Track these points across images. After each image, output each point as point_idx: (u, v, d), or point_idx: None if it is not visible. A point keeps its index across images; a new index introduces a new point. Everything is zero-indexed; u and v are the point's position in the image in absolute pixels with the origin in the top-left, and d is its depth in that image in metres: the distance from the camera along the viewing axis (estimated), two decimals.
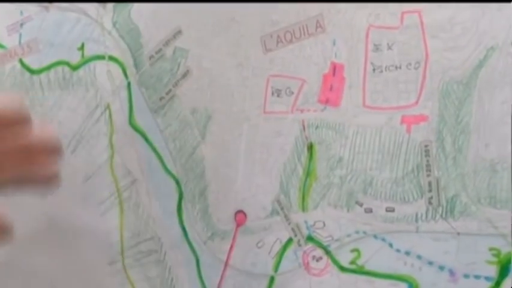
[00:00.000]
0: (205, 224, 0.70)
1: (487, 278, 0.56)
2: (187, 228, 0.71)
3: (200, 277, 0.72)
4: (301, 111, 0.63)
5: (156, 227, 0.74)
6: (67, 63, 0.76)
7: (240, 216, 0.68)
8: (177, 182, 0.71)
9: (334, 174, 0.62)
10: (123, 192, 0.74)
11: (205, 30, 0.68)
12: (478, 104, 0.56)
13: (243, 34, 0.66)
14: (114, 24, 0.73)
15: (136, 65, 0.72)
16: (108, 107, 0.74)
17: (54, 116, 0.77)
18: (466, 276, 0.57)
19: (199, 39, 0.68)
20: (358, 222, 0.62)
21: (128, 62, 0.73)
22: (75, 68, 0.76)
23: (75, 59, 0.76)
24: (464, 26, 0.56)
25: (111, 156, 0.75)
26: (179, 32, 0.69)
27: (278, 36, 0.64)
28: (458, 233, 0.57)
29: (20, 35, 0.80)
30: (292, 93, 0.63)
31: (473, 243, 0.57)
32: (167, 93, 0.70)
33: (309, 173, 0.63)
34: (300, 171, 0.64)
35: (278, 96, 0.64)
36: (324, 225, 0.63)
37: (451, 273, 0.58)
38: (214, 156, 0.69)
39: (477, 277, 0.57)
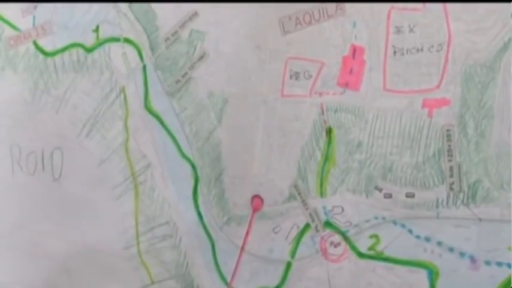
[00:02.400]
0: (221, 209, 0.69)
1: (509, 265, 0.56)
2: (203, 213, 0.71)
3: (216, 262, 0.71)
4: (320, 94, 0.62)
5: (171, 211, 0.73)
6: (82, 46, 0.76)
7: (256, 201, 0.67)
8: (193, 166, 0.71)
9: (353, 159, 0.61)
10: (138, 176, 0.73)
11: (222, 12, 0.67)
12: (501, 88, 0.55)
13: (261, 16, 0.65)
14: (129, 6, 0.73)
15: (152, 48, 0.71)
16: (123, 90, 0.73)
17: (68, 99, 0.76)
18: (488, 263, 0.56)
19: (216, 21, 0.67)
20: (377, 207, 0.61)
21: (144, 44, 0.72)
22: (89, 50, 0.75)
23: (90, 41, 0.75)
24: (488, 7, 0.55)
25: (126, 140, 0.74)
26: (195, 14, 0.68)
27: (297, 18, 0.63)
28: (480, 219, 0.56)
29: (34, 17, 0.80)
30: (311, 76, 0.62)
31: (495, 229, 0.56)
32: (183, 76, 0.69)
33: (327, 157, 0.62)
34: (318, 155, 0.63)
35: (296, 79, 0.63)
36: (343, 210, 0.63)
37: (472, 260, 0.57)
38: (230, 140, 0.68)
39: (499, 264, 0.56)
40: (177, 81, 0.70)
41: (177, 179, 0.72)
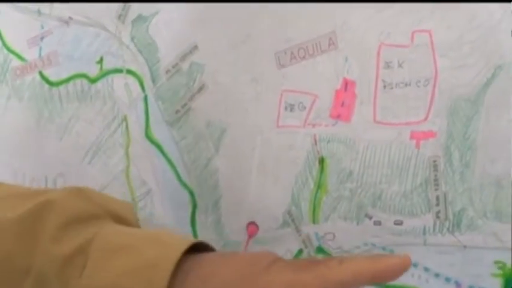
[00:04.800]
0: (218, 235, 0.72)
1: None
2: (200, 239, 0.73)
3: None
4: (313, 125, 0.65)
5: None
6: (86, 76, 0.78)
7: (252, 228, 0.70)
8: (191, 193, 0.73)
9: (344, 188, 0.64)
10: (138, 202, 0.76)
11: (221, 45, 0.69)
12: (485, 121, 0.58)
13: (258, 50, 0.68)
14: (132, 39, 0.76)
15: (153, 79, 0.74)
16: (125, 119, 0.76)
17: (72, 127, 0.79)
18: None
19: (215, 54, 0.70)
20: (367, 234, 0.63)
21: (145, 75, 0.75)
22: (93, 80, 0.78)
23: (94, 72, 0.78)
24: (472, 45, 0.58)
25: (127, 167, 0.77)
26: (195, 47, 0.71)
27: (292, 53, 0.66)
28: (465, 246, 0.59)
29: (40, 48, 0.83)
30: (305, 108, 0.65)
31: (478, 256, 0.58)
32: (183, 107, 0.72)
33: (320, 185, 0.65)
34: (311, 184, 0.66)
35: (291, 110, 0.66)
36: (334, 237, 0.65)
37: (457, 285, 0.59)
38: (227, 169, 0.70)
39: None
40: (177, 112, 0.73)
41: (176, 205, 0.75)
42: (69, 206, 0.52)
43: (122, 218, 0.56)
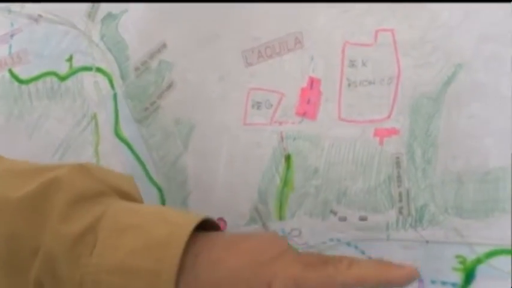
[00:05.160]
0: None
1: (453, 284, 0.59)
2: None
3: None
4: (280, 123, 0.66)
5: None
6: (55, 74, 0.78)
7: (220, 224, 0.70)
8: (160, 190, 0.74)
9: (310, 184, 0.65)
10: None
11: (189, 44, 0.70)
12: (446, 119, 0.59)
13: (225, 49, 0.68)
14: (101, 37, 0.76)
15: (123, 77, 0.75)
16: (94, 116, 0.77)
17: (41, 125, 0.79)
18: (433, 282, 0.60)
19: (183, 52, 0.71)
20: (333, 230, 0.64)
21: (115, 73, 0.75)
22: (63, 78, 0.78)
23: (64, 70, 0.78)
24: (434, 44, 0.59)
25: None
26: (164, 46, 0.72)
27: (259, 52, 0.67)
28: (427, 241, 0.60)
29: (10, 46, 0.83)
30: (271, 106, 0.66)
31: (440, 251, 0.60)
32: (152, 104, 0.73)
33: (286, 182, 0.66)
34: (278, 180, 0.66)
35: (258, 108, 0.67)
36: (300, 233, 0.66)
37: (419, 279, 0.60)
38: (196, 166, 0.71)
39: (444, 283, 0.59)
40: (146, 109, 0.73)
41: (145, 202, 0.75)
42: (75, 185, 0.53)
43: (126, 193, 0.58)
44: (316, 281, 0.48)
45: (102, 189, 0.55)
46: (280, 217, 0.66)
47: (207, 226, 0.54)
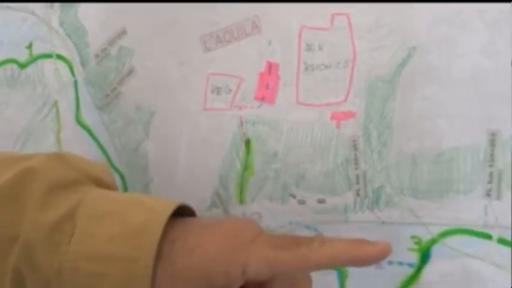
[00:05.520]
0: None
1: (409, 265, 0.60)
2: None
3: None
4: (239, 108, 0.66)
5: None
6: (15, 61, 0.78)
7: None
8: (122, 177, 0.74)
9: (269, 168, 0.65)
10: None
11: (148, 30, 0.70)
12: (401, 101, 0.60)
13: (184, 34, 0.68)
14: (61, 24, 0.76)
15: (83, 63, 0.75)
16: (55, 104, 0.76)
17: (2, 113, 0.79)
18: (390, 263, 0.61)
19: (142, 39, 0.71)
20: (292, 213, 0.65)
21: (75, 60, 0.75)
22: (23, 66, 0.78)
23: (23, 57, 0.78)
24: (388, 27, 0.60)
25: None
26: (124, 32, 0.72)
27: (217, 36, 0.67)
28: (383, 222, 0.61)
29: None
30: (231, 91, 0.67)
31: (396, 231, 0.61)
32: (112, 91, 0.73)
33: (246, 167, 0.66)
34: (238, 165, 0.67)
35: (217, 93, 0.67)
36: (261, 216, 0.66)
37: None
38: (157, 152, 0.71)
39: (400, 263, 0.60)
40: (107, 96, 0.73)
41: None
42: (52, 173, 0.53)
43: (102, 181, 0.58)
44: (289, 262, 0.50)
45: (78, 177, 0.55)
46: (241, 201, 0.67)
47: (184, 212, 0.54)
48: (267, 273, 0.48)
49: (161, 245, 0.50)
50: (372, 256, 0.50)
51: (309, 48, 0.63)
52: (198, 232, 0.50)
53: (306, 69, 0.63)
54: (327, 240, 0.47)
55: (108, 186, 0.59)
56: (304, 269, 0.51)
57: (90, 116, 0.76)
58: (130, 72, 0.72)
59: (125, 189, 0.74)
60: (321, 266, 0.46)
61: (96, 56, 0.74)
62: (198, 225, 0.48)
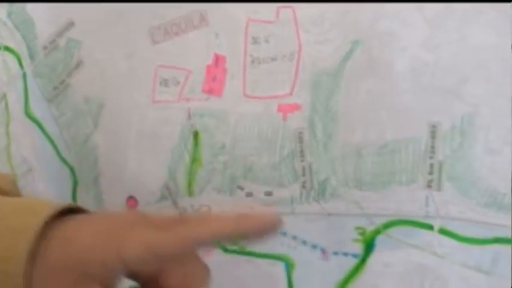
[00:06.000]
0: (98, 210, 0.72)
1: (354, 255, 0.61)
2: None
3: None
4: (187, 100, 0.66)
5: None
6: None
7: (131, 202, 0.71)
8: (72, 170, 0.74)
9: (217, 161, 0.66)
10: (19, 180, 0.76)
11: (96, 22, 0.70)
12: (345, 94, 0.60)
13: (132, 26, 0.68)
14: (8, 15, 0.75)
15: (31, 56, 0.74)
16: (4, 96, 0.76)
17: None
18: (336, 253, 0.62)
19: (90, 31, 0.70)
20: (240, 205, 0.65)
21: (23, 52, 0.74)
22: None
23: None
24: (332, 21, 0.60)
25: (8, 145, 0.76)
26: (72, 24, 0.71)
27: (165, 29, 0.67)
28: (329, 214, 0.61)
29: None
30: (179, 83, 0.67)
31: (341, 223, 0.61)
32: (61, 83, 0.72)
33: (194, 159, 0.67)
34: (187, 157, 0.67)
35: (165, 86, 0.67)
36: (209, 208, 0.67)
37: (323, 251, 0.62)
38: (106, 144, 0.71)
39: (345, 254, 0.61)
40: (55, 88, 0.73)
41: (57, 182, 0.75)
42: None
43: (3, 190, 0.56)
44: (169, 243, 0.48)
45: None
46: (190, 193, 0.67)
47: (76, 212, 0.54)
48: (149, 257, 0.45)
49: (39, 244, 0.48)
50: (259, 227, 0.49)
51: (255, 41, 0.63)
52: (76, 226, 0.50)
53: (253, 61, 0.63)
54: (209, 216, 0.49)
55: (6, 193, 0.59)
56: (186, 248, 0.50)
57: (39, 109, 0.75)
58: (79, 64, 0.72)
59: (75, 182, 0.74)
60: (203, 243, 0.46)
61: (45, 48, 0.73)
62: (78, 220, 0.46)
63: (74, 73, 0.72)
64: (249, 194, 0.64)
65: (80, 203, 0.73)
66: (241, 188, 0.65)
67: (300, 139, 0.62)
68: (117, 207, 0.72)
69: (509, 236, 0.55)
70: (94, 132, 0.72)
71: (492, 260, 0.56)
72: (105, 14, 0.70)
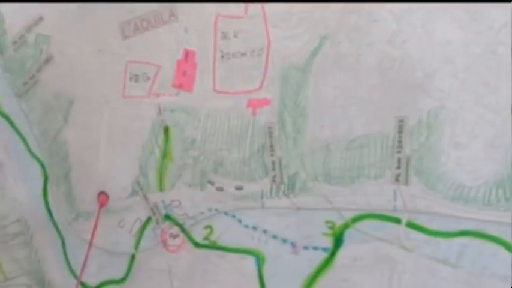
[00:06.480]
0: (69, 205, 0.73)
1: (323, 249, 0.61)
2: (52, 210, 0.74)
3: (66, 257, 0.75)
4: (158, 95, 0.66)
5: (22, 209, 0.75)
6: None
7: (102, 197, 0.71)
8: (42, 165, 0.73)
9: (188, 156, 0.66)
10: None
11: (66, 17, 0.69)
12: (313, 89, 0.60)
13: (102, 21, 0.68)
14: None
15: (1, 51, 0.73)
16: None
17: None
18: (306, 247, 0.62)
19: (60, 25, 0.70)
20: (211, 200, 0.66)
21: None
22: None
23: None
24: (300, 16, 0.60)
25: None
26: (41, 19, 0.71)
27: (135, 24, 0.67)
28: (298, 208, 0.62)
29: None
30: (149, 78, 0.67)
31: (311, 217, 0.62)
32: (31, 79, 0.72)
33: (165, 154, 0.67)
34: (157, 153, 0.67)
35: (136, 81, 0.67)
36: (180, 203, 0.67)
37: (293, 245, 0.63)
38: (77, 140, 0.71)
39: (315, 248, 0.62)
40: (25, 84, 0.73)
41: (27, 177, 0.75)
42: None
43: None
44: None
45: None
46: (161, 189, 0.67)
47: None
48: None
49: None
50: None
51: (225, 36, 0.63)
52: None
53: (222, 57, 0.63)
54: None
55: None
56: None
57: (9, 104, 0.75)
58: (48, 59, 0.71)
59: (45, 177, 0.74)
60: None
61: (14, 43, 0.73)
62: None
63: (44, 68, 0.72)
64: (220, 189, 0.65)
65: (51, 198, 0.73)
66: (212, 183, 0.65)
67: (270, 134, 0.62)
68: (89, 202, 0.71)
69: (476, 229, 0.55)
70: (64, 128, 0.72)
71: (459, 252, 0.56)
72: (75, 8, 0.70)
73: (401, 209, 0.58)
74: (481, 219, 0.55)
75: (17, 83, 0.73)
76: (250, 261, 0.64)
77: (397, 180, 0.57)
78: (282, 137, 0.61)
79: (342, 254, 0.61)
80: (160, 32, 0.66)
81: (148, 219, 0.68)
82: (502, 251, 0.54)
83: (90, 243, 0.71)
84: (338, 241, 0.60)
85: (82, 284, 0.73)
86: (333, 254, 0.61)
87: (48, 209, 0.74)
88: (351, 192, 0.59)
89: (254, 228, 0.63)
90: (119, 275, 0.71)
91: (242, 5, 0.62)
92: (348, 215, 0.60)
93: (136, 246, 0.69)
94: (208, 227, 0.66)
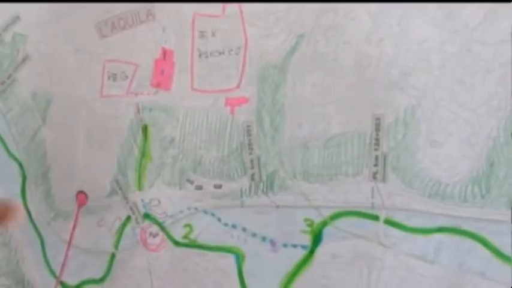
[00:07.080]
0: (48, 205, 0.72)
1: (302, 247, 0.62)
2: (31, 210, 0.73)
3: (45, 257, 0.74)
4: (136, 94, 0.66)
5: None
6: None
7: (81, 197, 0.71)
8: (20, 165, 0.73)
9: (167, 154, 0.66)
10: None
11: (43, 16, 0.69)
12: (291, 87, 0.61)
13: (80, 20, 0.68)
14: None
15: None
16: None
17: None
18: (285, 245, 0.62)
19: (37, 25, 0.70)
20: (190, 199, 0.66)
21: None
22: None
23: None
24: (277, 15, 0.61)
25: None
26: (17, 18, 0.70)
27: (112, 23, 0.67)
28: (278, 206, 0.62)
29: None
30: (127, 77, 0.66)
31: (290, 215, 0.62)
32: (8, 78, 0.71)
33: (144, 153, 0.67)
34: (136, 152, 0.67)
35: (114, 80, 0.67)
36: (159, 202, 0.67)
37: (272, 243, 0.63)
38: (55, 139, 0.71)
39: (294, 246, 0.62)
40: (2, 83, 0.72)
41: (5, 177, 0.75)
42: None
43: None
44: None
45: None
46: (140, 188, 0.67)
47: None
48: None
49: None
50: None
51: (202, 35, 0.63)
52: None
53: (200, 55, 0.63)
54: None
55: None
56: None
57: None
58: (25, 59, 0.71)
59: (24, 177, 0.73)
60: None
61: None
62: None
63: (21, 68, 0.71)
64: (199, 187, 0.65)
65: (30, 198, 0.73)
66: (191, 182, 0.65)
67: (248, 132, 0.62)
68: (68, 202, 0.71)
69: (453, 226, 0.56)
70: (42, 128, 0.71)
71: (436, 249, 0.56)
72: (52, 8, 0.70)
73: (379, 206, 0.58)
74: (458, 215, 0.55)
75: None
76: (230, 259, 0.65)
77: (374, 177, 0.58)
78: (260, 135, 0.61)
79: (321, 251, 0.61)
80: (138, 31, 0.66)
81: (128, 219, 0.68)
82: (479, 247, 0.55)
83: (69, 243, 0.71)
84: (317, 239, 0.61)
85: (62, 283, 0.73)
86: (312, 251, 0.61)
87: (27, 209, 0.73)
88: (329, 190, 0.59)
89: (233, 226, 0.63)
90: (98, 274, 0.71)
91: (219, 4, 0.62)
92: (327, 213, 0.60)
93: (116, 246, 0.69)
94: (188, 225, 0.65)
